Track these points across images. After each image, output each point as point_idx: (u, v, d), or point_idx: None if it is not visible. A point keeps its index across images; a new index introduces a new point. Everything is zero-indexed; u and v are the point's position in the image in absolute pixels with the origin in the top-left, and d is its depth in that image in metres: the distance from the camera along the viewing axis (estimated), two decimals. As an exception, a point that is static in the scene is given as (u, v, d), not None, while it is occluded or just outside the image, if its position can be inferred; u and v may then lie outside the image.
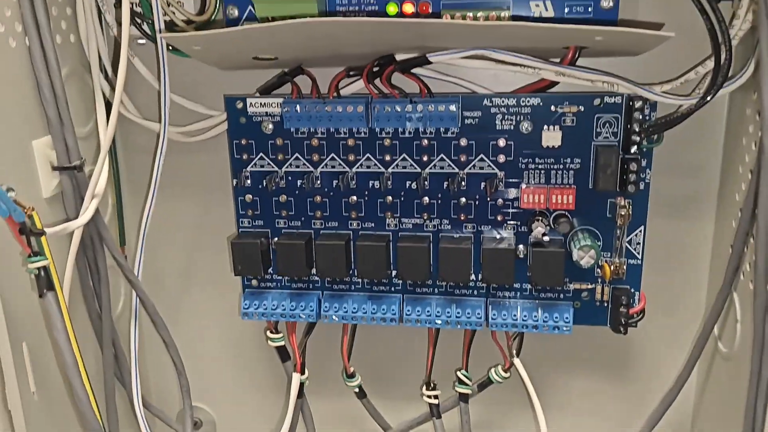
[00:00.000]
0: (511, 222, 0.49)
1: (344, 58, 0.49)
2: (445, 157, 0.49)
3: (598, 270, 0.49)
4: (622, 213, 0.47)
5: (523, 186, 0.48)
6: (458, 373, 0.55)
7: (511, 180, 0.48)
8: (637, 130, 0.45)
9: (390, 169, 0.50)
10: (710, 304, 0.50)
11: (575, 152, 0.47)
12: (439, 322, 0.51)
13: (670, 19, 0.48)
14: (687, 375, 0.51)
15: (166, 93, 0.49)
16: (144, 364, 0.64)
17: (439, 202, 0.50)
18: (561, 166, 0.47)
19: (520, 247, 0.49)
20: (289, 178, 0.51)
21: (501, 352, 0.53)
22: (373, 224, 0.51)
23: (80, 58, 0.53)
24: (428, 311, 0.51)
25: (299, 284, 0.54)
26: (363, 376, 0.58)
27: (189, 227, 0.61)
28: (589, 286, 0.50)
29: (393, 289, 0.52)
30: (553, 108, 0.46)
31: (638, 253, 0.49)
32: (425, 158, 0.49)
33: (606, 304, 0.50)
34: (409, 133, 0.49)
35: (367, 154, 0.50)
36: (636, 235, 0.48)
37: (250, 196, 0.52)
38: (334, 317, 0.52)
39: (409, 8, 0.45)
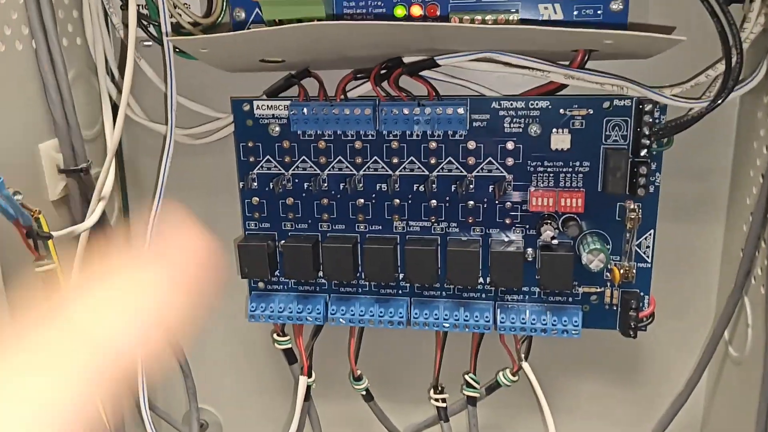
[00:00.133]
0: (520, 225, 0.49)
1: (351, 60, 0.48)
2: (453, 160, 0.48)
3: (608, 273, 0.49)
4: (632, 216, 0.47)
5: (532, 189, 0.48)
6: (466, 376, 0.55)
7: (519, 183, 0.48)
8: (646, 133, 0.45)
9: (397, 172, 0.49)
10: (720, 308, 0.49)
11: (584, 155, 0.47)
12: (446, 325, 0.50)
13: (681, 22, 0.48)
14: (697, 379, 0.50)
15: (172, 95, 0.49)
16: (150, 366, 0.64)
17: (447, 204, 0.49)
18: (570, 169, 0.47)
19: (529, 250, 0.49)
20: (296, 180, 0.51)
21: (509, 356, 0.53)
22: (380, 227, 0.51)
23: (87, 60, 0.53)
24: (436, 314, 0.51)
25: (306, 287, 0.53)
26: (370, 378, 0.58)
27: (195, 230, 0.61)
28: (599, 290, 0.49)
29: (400, 292, 0.52)
30: (561, 111, 0.46)
31: (648, 257, 0.48)
32: (433, 161, 0.49)
33: (615, 308, 0.50)
34: (417, 135, 0.48)
35: (375, 157, 0.49)
36: (645, 238, 0.48)
37: (257, 199, 0.52)
38: (341, 320, 0.52)
39: (417, 10, 0.45)
